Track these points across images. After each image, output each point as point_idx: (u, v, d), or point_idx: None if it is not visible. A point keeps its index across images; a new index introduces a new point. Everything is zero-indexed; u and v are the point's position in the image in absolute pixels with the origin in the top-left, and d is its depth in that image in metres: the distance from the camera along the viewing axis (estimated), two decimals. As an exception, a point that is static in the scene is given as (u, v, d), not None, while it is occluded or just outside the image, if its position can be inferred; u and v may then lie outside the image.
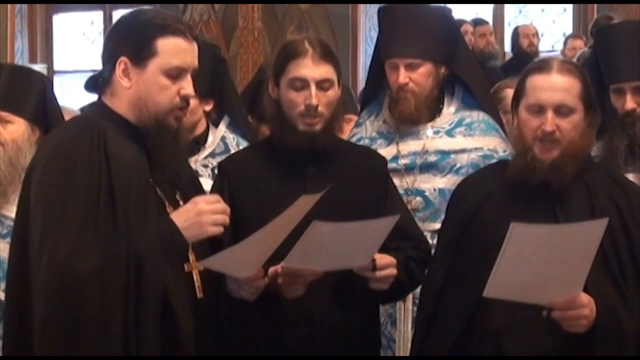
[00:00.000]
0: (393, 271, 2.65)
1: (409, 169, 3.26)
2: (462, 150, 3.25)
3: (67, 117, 3.08)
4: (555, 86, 2.56)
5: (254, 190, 2.77)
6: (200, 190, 2.63)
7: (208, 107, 3.45)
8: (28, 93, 3.17)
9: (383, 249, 2.63)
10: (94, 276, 2.19)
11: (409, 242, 2.80)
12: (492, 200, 2.64)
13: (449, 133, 3.29)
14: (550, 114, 2.54)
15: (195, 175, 2.78)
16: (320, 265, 2.54)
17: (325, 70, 2.75)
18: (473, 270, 2.55)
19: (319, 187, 2.47)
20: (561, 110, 2.55)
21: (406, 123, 3.28)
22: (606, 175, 2.69)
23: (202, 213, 2.34)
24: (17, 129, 3.17)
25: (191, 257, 2.42)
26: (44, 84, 3.27)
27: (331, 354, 2.70)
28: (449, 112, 3.33)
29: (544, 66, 2.61)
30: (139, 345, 2.24)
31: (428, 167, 3.26)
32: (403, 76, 3.21)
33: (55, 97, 3.28)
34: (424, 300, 2.74)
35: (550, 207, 2.56)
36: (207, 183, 2.98)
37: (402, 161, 3.27)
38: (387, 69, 3.29)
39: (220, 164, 2.94)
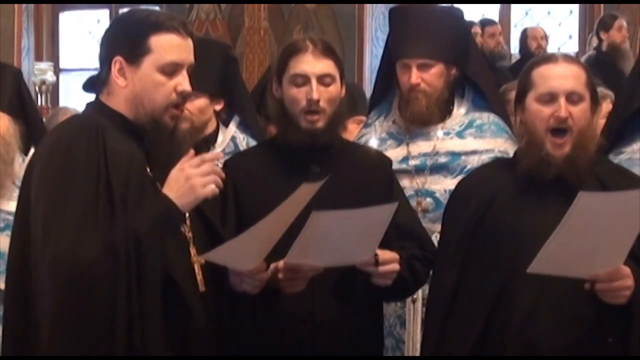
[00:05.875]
0: (396, 266, 2.64)
1: (419, 170, 3.26)
2: (473, 152, 3.24)
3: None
4: (565, 74, 2.60)
5: (259, 189, 2.77)
6: None
7: (218, 107, 3.43)
8: (5, 87, 3.19)
9: (387, 249, 2.63)
10: (97, 261, 2.20)
11: (413, 242, 2.80)
12: (502, 197, 2.65)
13: (460, 134, 3.29)
14: (563, 100, 2.57)
15: None
16: (322, 260, 2.53)
17: (325, 65, 2.75)
18: (489, 268, 2.57)
19: (322, 187, 2.46)
20: (572, 98, 2.58)
21: (417, 124, 3.27)
22: (613, 167, 2.74)
23: (190, 177, 2.34)
24: (2, 124, 3.18)
25: (192, 250, 2.43)
26: (19, 77, 3.29)
27: (333, 352, 2.70)
28: (459, 113, 3.33)
29: (549, 57, 2.68)
30: (142, 320, 2.26)
31: (438, 169, 3.25)
32: (415, 76, 3.21)
33: (28, 89, 3.32)
34: (436, 302, 2.73)
35: (566, 201, 2.54)
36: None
37: (412, 162, 3.26)
38: (398, 70, 3.29)
39: (225, 163, 2.94)
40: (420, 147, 3.28)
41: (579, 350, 2.48)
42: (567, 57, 2.67)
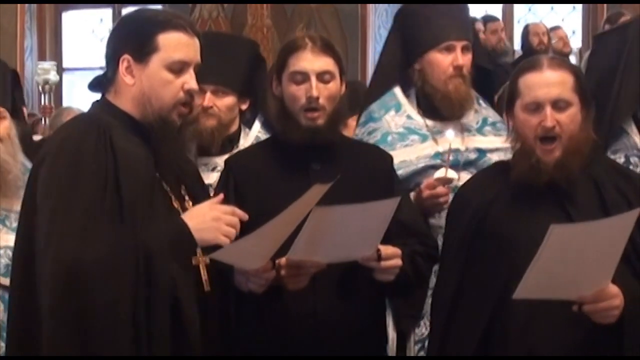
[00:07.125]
0: (398, 261, 2.65)
1: (453, 166, 3.18)
2: (497, 149, 3.23)
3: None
4: (550, 81, 2.57)
5: (259, 186, 2.78)
6: (204, 186, 2.66)
7: (244, 106, 3.38)
8: (6, 85, 3.19)
9: (389, 245, 2.63)
10: (100, 264, 2.20)
11: (415, 238, 2.81)
12: (498, 203, 2.65)
13: (480, 131, 3.30)
14: (548, 110, 2.55)
15: (198, 171, 2.79)
16: (325, 256, 2.54)
17: (325, 62, 2.75)
18: (488, 274, 2.57)
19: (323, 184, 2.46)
20: (559, 105, 2.56)
21: (455, 109, 3.25)
22: (610, 167, 2.72)
23: (218, 219, 2.36)
24: (8, 124, 3.18)
25: (198, 250, 2.43)
26: (16, 73, 3.28)
27: (335, 349, 2.70)
28: (471, 111, 3.33)
29: (534, 64, 2.63)
30: (149, 339, 2.25)
31: (468, 165, 3.23)
32: (461, 58, 3.22)
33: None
34: (438, 306, 2.75)
35: (560, 205, 2.57)
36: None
37: (446, 157, 3.23)
38: (434, 57, 3.25)
39: (226, 161, 2.95)
40: (449, 143, 3.22)
41: (579, 353, 2.48)
42: (552, 63, 2.62)
